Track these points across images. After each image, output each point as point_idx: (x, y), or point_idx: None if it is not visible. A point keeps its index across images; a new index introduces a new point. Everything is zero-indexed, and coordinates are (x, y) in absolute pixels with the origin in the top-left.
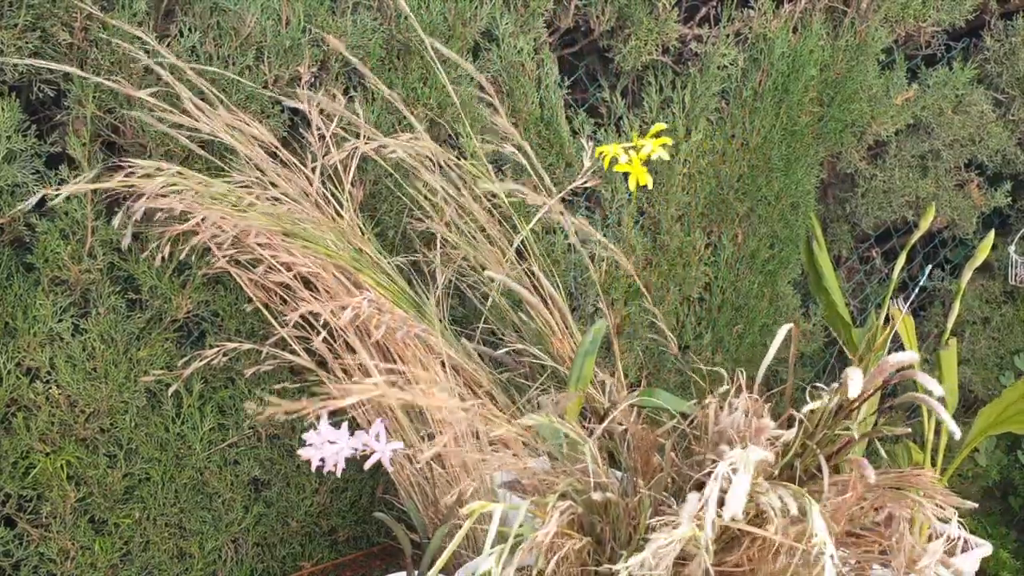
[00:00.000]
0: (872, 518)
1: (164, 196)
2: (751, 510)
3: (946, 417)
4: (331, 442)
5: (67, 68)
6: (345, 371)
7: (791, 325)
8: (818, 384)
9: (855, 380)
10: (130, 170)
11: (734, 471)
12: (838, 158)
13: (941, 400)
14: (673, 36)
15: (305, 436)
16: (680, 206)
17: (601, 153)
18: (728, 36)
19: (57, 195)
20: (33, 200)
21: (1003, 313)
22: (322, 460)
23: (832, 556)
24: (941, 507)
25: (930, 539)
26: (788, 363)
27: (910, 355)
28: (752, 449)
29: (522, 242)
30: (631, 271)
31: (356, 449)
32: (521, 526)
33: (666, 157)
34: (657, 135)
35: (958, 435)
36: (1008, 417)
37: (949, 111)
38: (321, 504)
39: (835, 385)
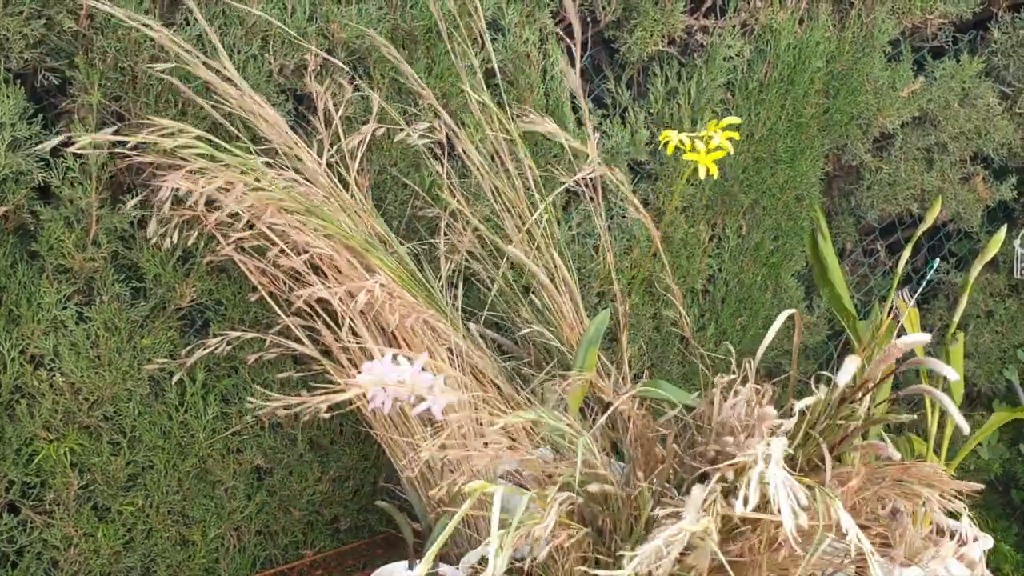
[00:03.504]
0: (875, 509)
1: (189, 174)
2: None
3: (953, 410)
4: (391, 377)
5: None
6: (351, 360)
7: (793, 311)
8: (822, 372)
9: (847, 368)
10: (133, 151)
11: (764, 461)
12: (843, 150)
13: (948, 393)
14: (679, 27)
15: (367, 365)
16: (685, 197)
17: (666, 140)
18: (734, 27)
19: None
20: (53, 142)
21: (1007, 307)
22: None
23: (873, 554)
24: (947, 499)
25: (938, 532)
26: (791, 354)
27: (920, 336)
28: (776, 440)
29: (533, 227)
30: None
31: (408, 397)
32: (523, 517)
33: (730, 150)
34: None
35: (966, 429)
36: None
37: (955, 104)
38: (323, 493)
39: (839, 374)
